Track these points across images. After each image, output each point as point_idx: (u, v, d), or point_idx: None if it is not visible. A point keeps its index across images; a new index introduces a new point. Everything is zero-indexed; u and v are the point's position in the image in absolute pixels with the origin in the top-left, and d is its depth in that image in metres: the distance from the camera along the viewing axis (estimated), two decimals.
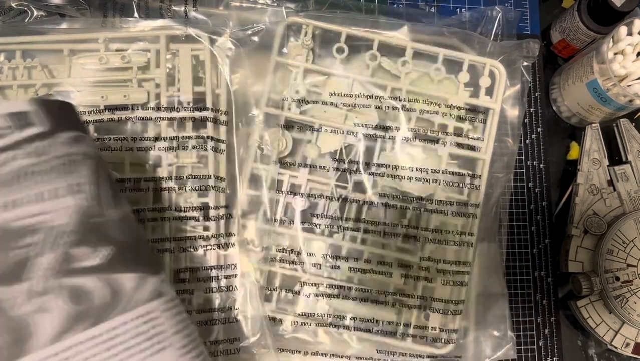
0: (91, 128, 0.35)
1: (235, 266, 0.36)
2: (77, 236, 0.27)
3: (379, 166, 0.37)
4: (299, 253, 0.37)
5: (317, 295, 0.36)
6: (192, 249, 0.35)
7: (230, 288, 0.36)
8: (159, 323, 0.28)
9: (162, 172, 0.35)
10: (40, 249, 0.26)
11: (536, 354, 0.42)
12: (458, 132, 0.38)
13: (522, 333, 0.42)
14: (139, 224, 0.33)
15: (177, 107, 0.36)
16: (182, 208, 0.35)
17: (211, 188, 0.36)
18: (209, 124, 0.36)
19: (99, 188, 0.28)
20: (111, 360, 0.26)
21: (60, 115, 0.28)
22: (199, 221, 0.35)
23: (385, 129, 0.37)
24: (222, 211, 0.36)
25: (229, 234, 0.36)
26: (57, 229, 0.26)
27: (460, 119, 0.37)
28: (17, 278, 0.26)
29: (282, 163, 0.37)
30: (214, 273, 0.35)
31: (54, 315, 0.26)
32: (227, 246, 0.36)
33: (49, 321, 0.25)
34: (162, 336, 0.28)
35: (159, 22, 0.37)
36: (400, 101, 0.37)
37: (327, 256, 0.37)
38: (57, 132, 0.28)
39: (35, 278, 0.26)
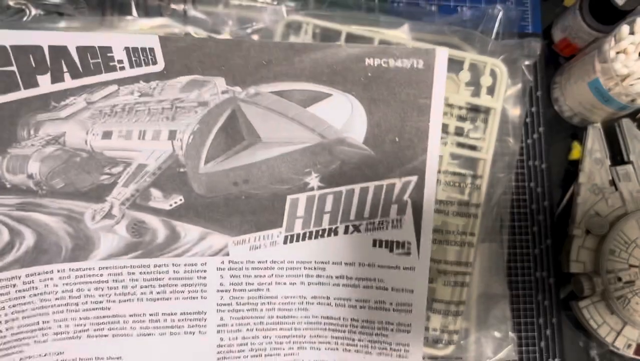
0: None
1: None
2: (157, 179, 0.31)
3: None
4: None
5: None
6: None
7: None
8: (207, 276, 0.31)
9: None
10: (126, 181, 0.30)
11: (537, 355, 0.41)
12: (459, 132, 0.37)
13: (523, 334, 0.41)
14: (236, 186, 0.33)
15: None
16: None
17: None
18: None
19: (197, 138, 0.31)
20: (147, 289, 0.31)
21: (178, 56, 0.31)
22: None
23: None
24: None
25: None
26: (144, 168, 0.30)
27: (461, 118, 0.37)
28: (100, 198, 0.31)
29: None
30: None
31: (116, 238, 0.31)
32: None
33: (110, 242, 0.31)
34: (204, 288, 0.31)
35: (158, 21, 0.37)
36: None
37: None
38: (173, 74, 0.30)
39: (115, 203, 0.31)
